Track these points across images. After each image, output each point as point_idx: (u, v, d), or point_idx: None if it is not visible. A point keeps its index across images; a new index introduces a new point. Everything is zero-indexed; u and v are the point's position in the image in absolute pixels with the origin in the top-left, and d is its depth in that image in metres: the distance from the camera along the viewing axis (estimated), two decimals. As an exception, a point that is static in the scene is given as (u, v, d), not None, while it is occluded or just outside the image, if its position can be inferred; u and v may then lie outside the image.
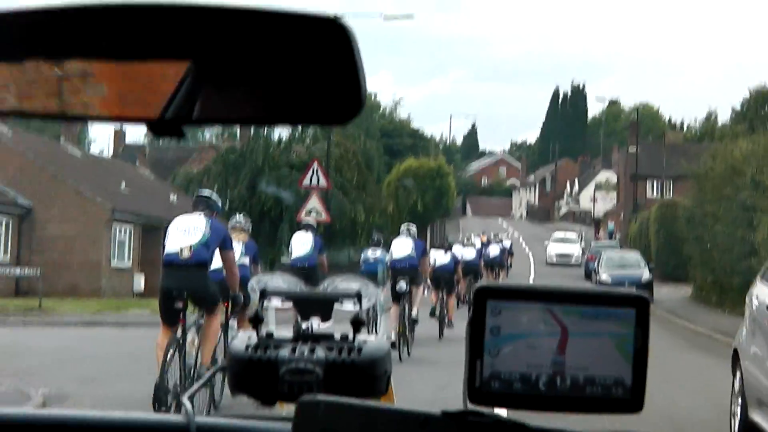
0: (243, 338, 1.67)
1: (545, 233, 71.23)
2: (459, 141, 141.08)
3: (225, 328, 10.50)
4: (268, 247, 34.80)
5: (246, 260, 11.33)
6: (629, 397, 1.39)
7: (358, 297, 1.96)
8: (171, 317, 9.29)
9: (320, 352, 1.64)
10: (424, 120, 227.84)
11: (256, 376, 1.64)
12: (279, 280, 2.06)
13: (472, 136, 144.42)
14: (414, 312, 16.58)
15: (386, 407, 1.41)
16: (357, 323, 1.73)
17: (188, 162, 54.76)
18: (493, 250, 37.19)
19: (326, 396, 1.40)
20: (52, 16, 1.17)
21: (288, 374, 1.61)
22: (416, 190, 51.50)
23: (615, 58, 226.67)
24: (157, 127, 1.20)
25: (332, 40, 1.15)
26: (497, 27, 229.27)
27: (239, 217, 12.07)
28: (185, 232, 9.41)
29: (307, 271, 15.11)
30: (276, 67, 1.16)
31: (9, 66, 1.19)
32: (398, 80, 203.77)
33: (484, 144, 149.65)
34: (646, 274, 34.65)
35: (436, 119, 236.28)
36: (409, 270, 16.41)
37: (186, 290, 9.20)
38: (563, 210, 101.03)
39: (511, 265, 44.94)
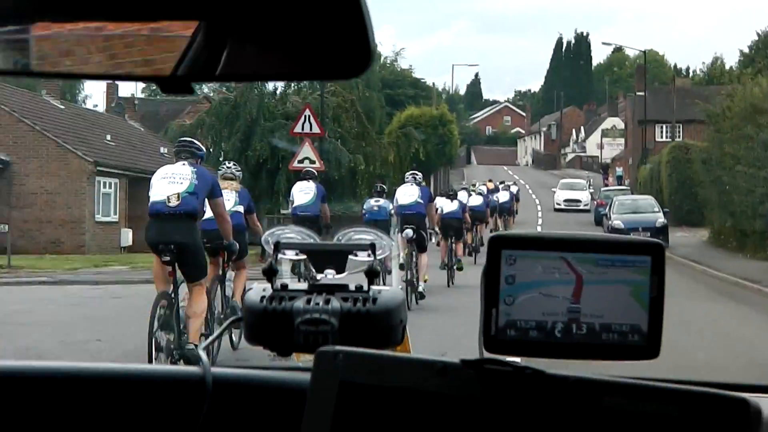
0: (258, 290, 1.66)
1: (552, 180, 70.32)
2: (462, 91, 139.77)
3: (222, 278, 10.21)
4: (266, 198, 34.09)
5: (240, 208, 10.74)
6: (645, 344, 1.39)
7: (372, 248, 1.88)
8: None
9: (335, 303, 1.63)
10: (427, 73, 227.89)
11: (272, 327, 1.63)
12: (292, 233, 2.03)
13: (475, 86, 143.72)
14: (421, 286, 15.92)
15: (404, 356, 1.42)
16: (371, 273, 1.71)
17: (182, 115, 53.51)
18: (503, 196, 36.41)
19: (344, 346, 1.41)
20: None
21: (303, 325, 1.60)
22: (418, 138, 49.74)
23: (618, 8, 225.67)
24: (167, 85, 1.22)
25: None
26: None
27: (229, 165, 11.36)
28: (170, 182, 8.88)
29: (309, 219, 14.65)
30: (285, 24, 1.18)
31: (20, 27, 1.20)
32: (401, 34, 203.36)
33: (487, 94, 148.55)
34: (660, 219, 33.03)
35: (439, 72, 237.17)
36: (416, 216, 15.96)
37: (174, 243, 8.62)
38: (569, 157, 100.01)
39: (517, 211, 44.17)
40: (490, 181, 43.81)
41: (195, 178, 8.90)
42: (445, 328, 11.87)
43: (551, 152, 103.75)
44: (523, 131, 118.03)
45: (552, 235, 1.41)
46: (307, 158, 24.37)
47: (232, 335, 10.19)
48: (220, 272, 10.21)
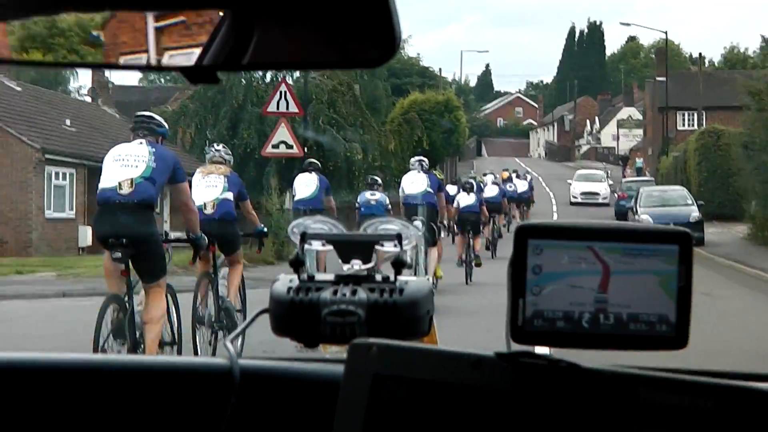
0: (284, 281, 1.65)
1: (566, 172, 67.58)
2: (473, 83, 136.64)
3: (211, 275, 9.72)
4: (253, 191, 30.45)
5: (229, 195, 9.94)
6: (674, 334, 1.39)
7: (398, 238, 1.81)
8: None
9: (362, 294, 1.63)
10: (439, 66, 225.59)
11: (299, 318, 1.62)
12: (319, 223, 1.94)
13: (486, 76, 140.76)
14: (429, 279, 13.06)
15: (437, 349, 1.42)
16: (398, 264, 1.71)
17: (170, 101, 50.24)
18: (521, 186, 35.19)
19: (376, 338, 1.42)
20: None
21: (330, 316, 1.60)
22: (420, 126, 46.01)
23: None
24: (192, 74, 1.24)
25: None
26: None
27: (218, 148, 10.51)
28: (123, 164, 8.10)
29: (312, 213, 12.71)
30: (310, 12, 1.19)
31: (43, 18, 1.20)
32: (413, 28, 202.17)
33: (498, 86, 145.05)
34: (694, 213, 29.45)
35: (451, 66, 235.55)
36: (427, 208, 15.13)
37: (127, 236, 7.83)
38: (584, 148, 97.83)
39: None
40: (505, 170, 40.72)
41: (152, 161, 8.08)
42: (463, 331, 10.56)
43: (565, 143, 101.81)
44: (536, 123, 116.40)
45: (579, 224, 1.40)
46: (283, 142, 22.29)
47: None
48: (211, 269, 9.66)
